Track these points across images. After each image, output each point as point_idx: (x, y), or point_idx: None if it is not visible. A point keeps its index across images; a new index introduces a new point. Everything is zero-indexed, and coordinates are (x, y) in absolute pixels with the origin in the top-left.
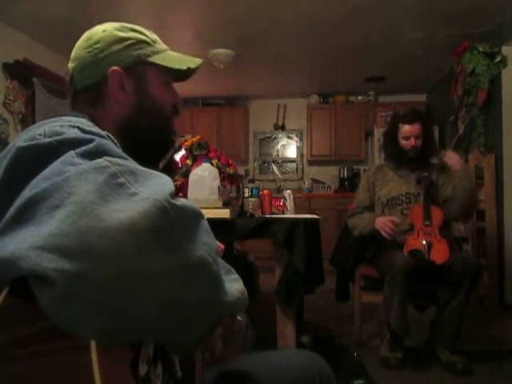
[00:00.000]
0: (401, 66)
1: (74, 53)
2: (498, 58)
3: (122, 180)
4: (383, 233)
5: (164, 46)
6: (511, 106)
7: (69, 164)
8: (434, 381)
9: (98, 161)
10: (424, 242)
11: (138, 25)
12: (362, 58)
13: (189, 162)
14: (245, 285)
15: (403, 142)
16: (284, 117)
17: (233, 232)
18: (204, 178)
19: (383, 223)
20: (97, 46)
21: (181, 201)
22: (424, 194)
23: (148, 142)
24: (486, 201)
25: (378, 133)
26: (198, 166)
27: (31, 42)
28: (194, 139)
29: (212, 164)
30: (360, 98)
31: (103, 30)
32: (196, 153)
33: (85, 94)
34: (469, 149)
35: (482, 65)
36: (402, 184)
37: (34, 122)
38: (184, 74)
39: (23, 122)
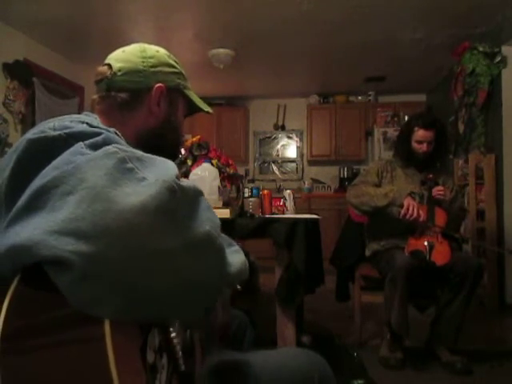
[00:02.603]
0: (401, 66)
1: (122, 55)
2: (498, 58)
3: (130, 165)
4: (406, 211)
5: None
6: (511, 106)
7: (78, 154)
8: (434, 381)
9: (107, 147)
10: (425, 243)
11: (138, 25)
12: (362, 57)
13: (189, 161)
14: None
15: (416, 145)
16: (284, 117)
17: (233, 232)
18: (204, 178)
19: (413, 205)
20: (151, 60)
21: (184, 181)
22: (428, 195)
23: (161, 152)
24: (485, 201)
25: (378, 133)
26: (198, 166)
27: (31, 42)
28: (194, 139)
29: (212, 164)
30: (360, 97)
31: (156, 50)
32: (196, 153)
33: (120, 94)
34: (469, 149)
35: (482, 65)
36: (409, 183)
37: (33, 122)
38: (188, 115)
39: (23, 122)
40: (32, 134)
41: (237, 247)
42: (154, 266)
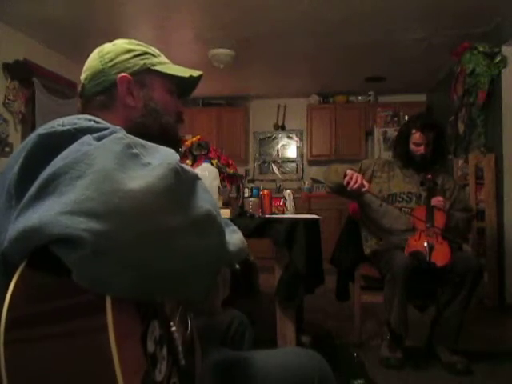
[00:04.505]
0: (401, 66)
1: (86, 65)
2: (498, 58)
3: (135, 151)
4: (349, 181)
5: (167, 60)
6: (511, 106)
7: (86, 144)
8: (434, 381)
9: (114, 134)
10: (425, 244)
11: (138, 25)
12: (362, 58)
13: (189, 162)
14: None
15: (413, 147)
16: (284, 117)
17: None
18: (204, 178)
19: (356, 175)
20: (107, 55)
21: (185, 165)
22: (427, 196)
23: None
24: (485, 201)
25: (378, 133)
26: (198, 166)
27: (31, 42)
28: (194, 139)
29: (212, 164)
30: (360, 98)
31: (113, 44)
32: (196, 153)
33: (95, 99)
34: (469, 149)
35: (482, 65)
36: (406, 183)
37: (33, 122)
38: (186, 87)
39: (23, 122)
40: (42, 129)
41: (234, 227)
42: (162, 243)
